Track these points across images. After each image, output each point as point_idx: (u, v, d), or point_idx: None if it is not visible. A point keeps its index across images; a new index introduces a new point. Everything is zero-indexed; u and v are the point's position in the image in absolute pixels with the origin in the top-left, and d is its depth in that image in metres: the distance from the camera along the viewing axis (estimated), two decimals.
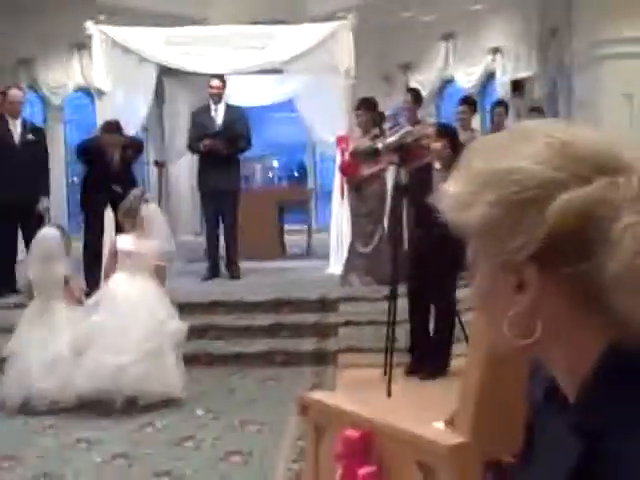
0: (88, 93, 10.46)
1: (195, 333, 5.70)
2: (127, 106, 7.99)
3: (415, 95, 7.87)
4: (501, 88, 10.25)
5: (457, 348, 5.36)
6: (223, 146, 7.75)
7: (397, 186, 6.38)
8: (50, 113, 11.16)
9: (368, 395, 4.91)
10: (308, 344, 6.15)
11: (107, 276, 5.31)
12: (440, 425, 2.38)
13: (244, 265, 7.99)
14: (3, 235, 7.06)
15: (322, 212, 11.40)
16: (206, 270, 7.88)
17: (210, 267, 7.89)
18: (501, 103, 8.77)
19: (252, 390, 5.39)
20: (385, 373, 5.25)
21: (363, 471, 2.04)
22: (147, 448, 4.31)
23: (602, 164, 0.82)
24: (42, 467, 4.10)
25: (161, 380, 4.95)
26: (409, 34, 11.00)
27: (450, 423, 2.29)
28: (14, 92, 7.46)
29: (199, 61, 8.07)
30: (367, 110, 7.23)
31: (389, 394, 5.07)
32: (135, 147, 7.40)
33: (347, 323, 6.29)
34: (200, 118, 8.00)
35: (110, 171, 7.14)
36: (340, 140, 7.90)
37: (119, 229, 5.71)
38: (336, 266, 7.70)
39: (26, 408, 4.95)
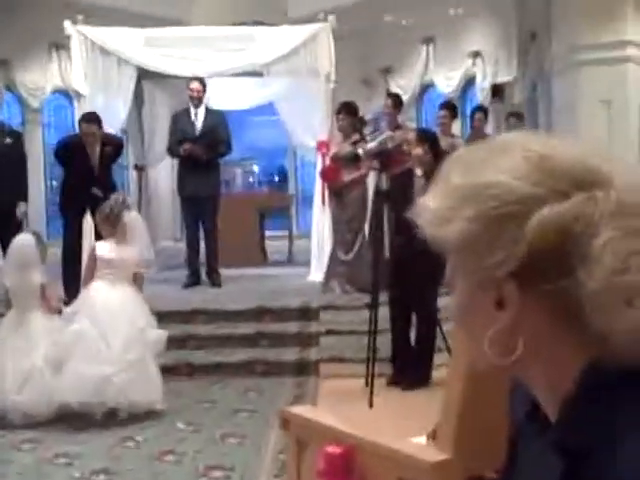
0: (67, 95, 10.38)
1: (175, 343, 5.66)
2: (106, 108, 7.90)
3: (395, 100, 7.86)
4: (481, 93, 10.27)
5: (439, 358, 5.36)
6: (203, 151, 7.70)
7: (378, 192, 6.35)
8: (28, 115, 11.07)
9: (350, 406, 4.89)
10: (290, 354, 6.12)
11: (86, 283, 5.23)
12: (422, 439, 2.37)
13: (225, 272, 7.95)
14: None
15: (303, 218, 11.39)
16: (186, 278, 7.84)
17: (190, 274, 7.85)
18: (481, 108, 8.81)
19: (233, 401, 5.35)
20: (367, 384, 5.23)
21: None
22: (127, 463, 4.25)
23: (580, 179, 0.82)
24: None
25: (145, 391, 4.91)
26: (389, 38, 11.02)
27: (432, 437, 2.28)
28: None
29: (179, 63, 8.01)
30: (348, 115, 7.21)
31: (371, 405, 5.06)
32: (114, 144, 7.24)
33: (328, 332, 6.27)
34: (180, 122, 7.94)
35: (90, 172, 6.99)
36: (321, 145, 7.89)
37: (98, 234, 5.63)
38: (317, 273, 7.68)
39: (3, 421, 4.88)
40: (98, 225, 5.38)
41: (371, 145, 6.23)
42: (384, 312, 5.52)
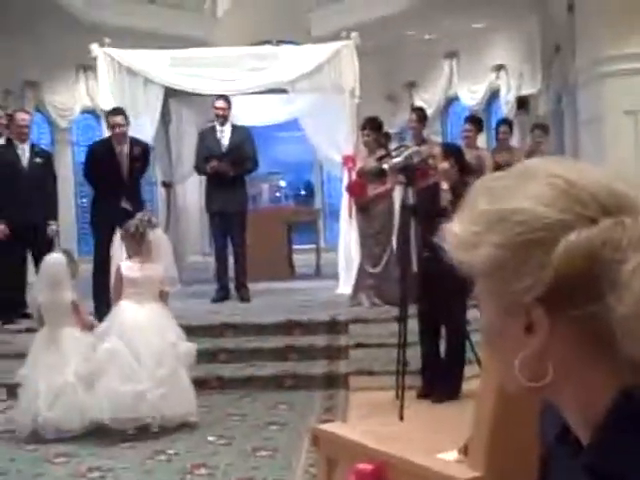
0: (95, 114, 10.53)
1: (205, 356, 5.72)
2: (133, 127, 8.01)
3: (420, 114, 7.90)
4: (505, 106, 10.28)
5: (469, 370, 5.36)
6: (229, 168, 7.78)
7: (404, 206, 6.38)
8: (57, 135, 11.25)
9: (380, 419, 4.90)
10: (319, 367, 6.15)
11: (114, 302, 5.30)
12: (453, 454, 2.37)
13: (253, 286, 8.00)
14: (13, 260, 7.07)
15: (330, 231, 11.44)
16: (215, 292, 7.91)
17: (219, 289, 7.92)
18: (505, 121, 8.80)
19: (263, 414, 5.37)
20: (397, 396, 5.24)
21: None
22: (160, 476, 4.28)
23: (607, 204, 0.82)
24: None
25: (179, 404, 4.97)
26: (412, 53, 11.07)
27: (464, 452, 2.28)
28: (21, 115, 7.49)
29: (204, 82, 8.10)
30: (372, 130, 7.25)
31: (401, 418, 5.06)
32: (141, 147, 7.27)
33: (358, 345, 6.29)
34: (206, 139, 8.04)
35: (119, 182, 7.01)
36: (347, 160, 7.93)
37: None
38: (345, 286, 7.71)
39: (37, 436, 4.94)
40: (123, 243, 5.44)
41: (397, 160, 6.26)
42: (413, 325, 5.53)
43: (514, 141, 8.95)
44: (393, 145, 7.31)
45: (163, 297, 5.26)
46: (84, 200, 10.93)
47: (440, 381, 5.43)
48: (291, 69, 8.07)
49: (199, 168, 8.12)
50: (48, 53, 10.30)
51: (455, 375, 5.41)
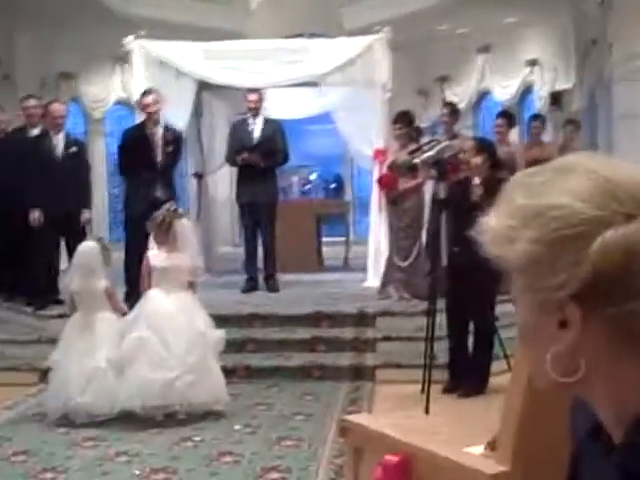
0: (128, 106, 10.62)
1: (233, 346, 5.77)
2: (166, 118, 8.08)
3: (452, 109, 7.88)
4: (539, 101, 10.20)
5: (496, 365, 5.35)
6: (260, 159, 7.83)
7: (435, 200, 6.37)
8: (91, 125, 11.37)
9: (406, 412, 4.91)
10: (346, 359, 6.18)
11: (144, 290, 5.37)
12: (480, 448, 2.37)
13: (282, 277, 8.05)
14: (47, 247, 7.18)
15: (360, 224, 11.45)
16: (244, 282, 7.96)
17: (248, 279, 7.97)
18: (538, 117, 8.73)
19: (289, 405, 5.41)
20: (423, 390, 5.25)
21: None
22: (186, 463, 4.34)
23: None
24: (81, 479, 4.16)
25: (208, 391, 5.03)
26: (445, 47, 11.02)
27: (491, 447, 2.28)
28: (56, 106, 7.57)
29: (237, 75, 8.13)
30: (404, 124, 7.25)
31: (427, 411, 5.07)
32: (174, 131, 7.32)
33: (385, 338, 6.31)
34: (238, 132, 8.09)
35: (153, 168, 7.05)
36: (378, 153, 7.93)
37: None
38: (374, 279, 7.72)
39: (67, 419, 5.03)
40: (150, 233, 5.49)
41: (428, 154, 6.25)
42: (441, 319, 5.53)
43: (547, 137, 8.88)
44: (424, 139, 7.29)
45: (192, 286, 5.32)
46: (116, 190, 11.05)
47: (467, 376, 5.43)
48: (323, 62, 8.08)
49: (230, 159, 8.17)
50: (84, 45, 10.42)
51: (482, 370, 5.40)
